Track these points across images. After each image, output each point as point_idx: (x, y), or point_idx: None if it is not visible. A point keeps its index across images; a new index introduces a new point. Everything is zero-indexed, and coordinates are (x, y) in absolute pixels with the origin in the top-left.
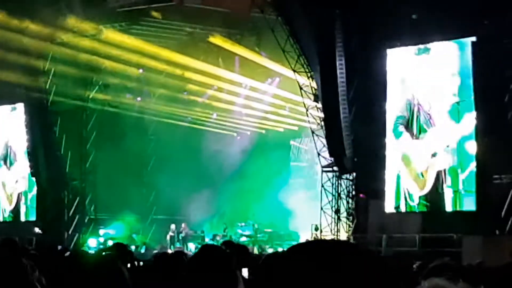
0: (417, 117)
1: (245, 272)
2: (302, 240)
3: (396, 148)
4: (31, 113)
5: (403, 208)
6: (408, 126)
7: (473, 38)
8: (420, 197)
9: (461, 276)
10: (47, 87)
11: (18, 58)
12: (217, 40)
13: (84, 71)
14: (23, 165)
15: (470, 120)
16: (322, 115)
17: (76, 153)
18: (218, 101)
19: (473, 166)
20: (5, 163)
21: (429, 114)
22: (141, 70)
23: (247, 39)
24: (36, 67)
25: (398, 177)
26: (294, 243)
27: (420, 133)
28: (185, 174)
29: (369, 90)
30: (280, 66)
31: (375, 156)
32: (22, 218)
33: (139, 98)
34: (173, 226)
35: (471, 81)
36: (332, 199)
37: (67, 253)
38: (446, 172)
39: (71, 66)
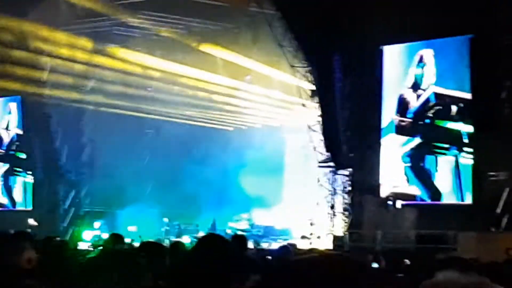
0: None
1: None
2: (295, 235)
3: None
4: (27, 105)
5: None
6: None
7: (471, 35)
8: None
9: (471, 269)
10: (44, 79)
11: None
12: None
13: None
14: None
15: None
16: (318, 110)
17: (72, 145)
18: (214, 96)
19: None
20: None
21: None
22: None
23: (237, 37)
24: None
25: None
26: (289, 238)
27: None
28: (181, 168)
29: (366, 85)
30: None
31: (372, 152)
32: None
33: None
34: (166, 220)
35: (468, 78)
36: (328, 194)
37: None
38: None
39: (67, 60)
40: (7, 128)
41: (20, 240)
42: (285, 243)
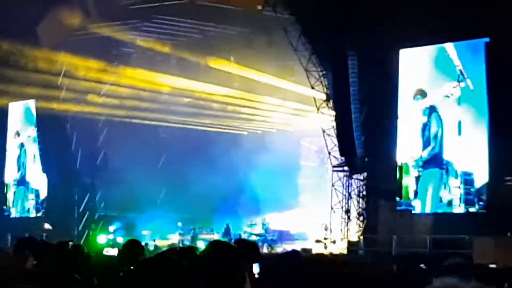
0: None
1: (255, 267)
2: (311, 239)
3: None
4: (42, 110)
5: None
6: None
7: (486, 39)
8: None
9: (473, 275)
10: (59, 84)
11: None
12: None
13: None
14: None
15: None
16: (333, 114)
17: (87, 150)
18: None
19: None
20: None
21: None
22: None
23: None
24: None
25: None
26: (304, 242)
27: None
28: (195, 172)
29: (381, 90)
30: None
31: (386, 156)
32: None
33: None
34: (180, 224)
35: (484, 83)
36: (343, 199)
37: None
38: None
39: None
40: (18, 134)
41: (21, 248)
42: (298, 247)
